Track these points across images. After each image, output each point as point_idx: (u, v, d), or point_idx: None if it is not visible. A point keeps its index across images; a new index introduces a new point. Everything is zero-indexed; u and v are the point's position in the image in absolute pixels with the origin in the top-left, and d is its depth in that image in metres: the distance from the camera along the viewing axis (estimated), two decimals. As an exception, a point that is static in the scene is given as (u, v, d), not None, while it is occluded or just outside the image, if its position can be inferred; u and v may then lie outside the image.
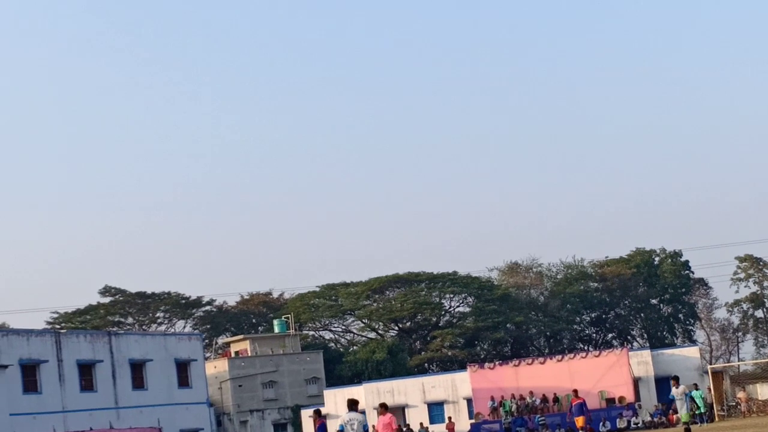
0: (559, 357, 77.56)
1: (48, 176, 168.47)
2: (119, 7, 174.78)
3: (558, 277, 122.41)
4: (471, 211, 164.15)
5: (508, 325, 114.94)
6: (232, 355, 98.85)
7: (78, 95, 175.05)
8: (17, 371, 65.60)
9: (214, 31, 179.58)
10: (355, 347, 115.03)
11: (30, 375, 67.00)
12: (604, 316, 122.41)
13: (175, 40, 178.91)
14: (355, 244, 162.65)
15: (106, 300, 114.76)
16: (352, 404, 26.49)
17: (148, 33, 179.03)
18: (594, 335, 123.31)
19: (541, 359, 78.07)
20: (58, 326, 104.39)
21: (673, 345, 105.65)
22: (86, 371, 71.12)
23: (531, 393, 73.90)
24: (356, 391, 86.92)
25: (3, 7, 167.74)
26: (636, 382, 74.11)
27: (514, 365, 76.57)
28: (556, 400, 73.02)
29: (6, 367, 63.52)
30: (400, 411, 79.62)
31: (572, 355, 78.36)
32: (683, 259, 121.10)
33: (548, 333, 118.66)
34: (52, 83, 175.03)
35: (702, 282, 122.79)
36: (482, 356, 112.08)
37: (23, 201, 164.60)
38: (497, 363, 79.46)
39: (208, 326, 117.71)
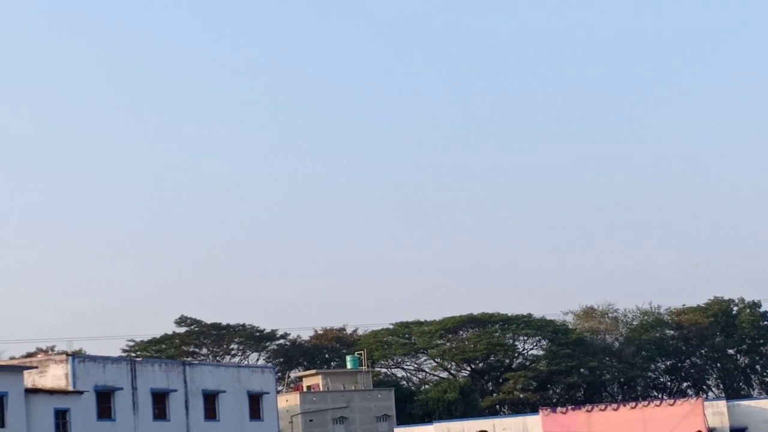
0: (633, 404, 76.80)
1: (133, 209, 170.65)
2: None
3: (633, 323, 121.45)
4: (546, 253, 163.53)
5: (581, 370, 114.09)
6: (304, 389, 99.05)
7: (160, 141, 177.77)
8: (92, 398, 66.19)
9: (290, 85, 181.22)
10: (426, 386, 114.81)
11: (104, 402, 67.53)
12: (679, 364, 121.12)
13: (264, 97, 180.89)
14: (429, 283, 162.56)
15: (182, 330, 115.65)
16: None
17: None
18: (669, 383, 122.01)
19: (614, 406, 77.38)
20: (133, 354, 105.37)
21: (749, 396, 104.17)
22: (160, 400, 71.54)
23: (603, 440, 73.29)
24: (427, 431, 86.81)
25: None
26: (710, 432, 73.19)
27: (587, 411, 75.97)
28: (628, 447, 72.30)
29: (81, 393, 64.24)
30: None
31: (646, 402, 77.53)
32: (762, 309, 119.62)
33: (622, 379, 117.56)
34: (137, 131, 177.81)
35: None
36: (554, 400, 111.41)
37: (106, 232, 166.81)
38: (570, 408, 78.88)
39: (281, 360, 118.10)
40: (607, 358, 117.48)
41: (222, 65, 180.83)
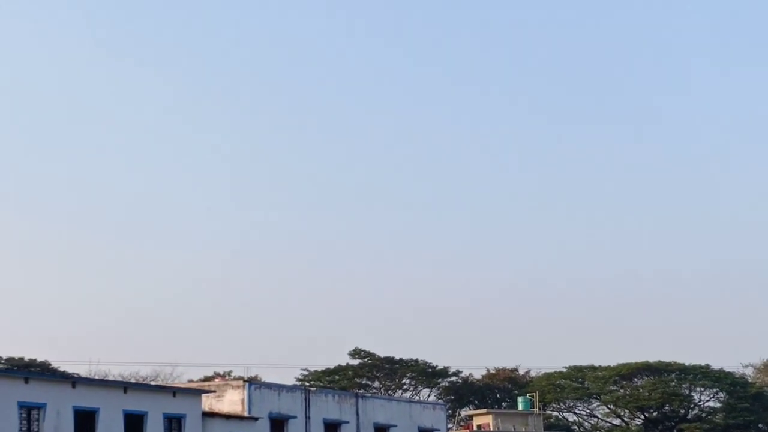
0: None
1: (317, 236, 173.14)
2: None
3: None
4: (726, 304, 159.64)
5: (759, 425, 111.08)
6: (474, 428, 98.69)
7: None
8: (266, 425, 67.15)
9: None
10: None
11: (278, 429, 68.35)
12: None
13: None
14: (604, 329, 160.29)
15: (355, 362, 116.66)
16: None
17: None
18: None
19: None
20: (307, 384, 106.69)
21: None
22: (332, 431, 72.23)
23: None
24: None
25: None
26: None
27: (765, 467, 73.92)
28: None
29: (256, 419, 65.32)
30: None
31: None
32: None
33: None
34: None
35: None
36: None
37: (286, 259, 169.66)
38: (747, 463, 76.91)
39: (452, 397, 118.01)
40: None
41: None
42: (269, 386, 70.17)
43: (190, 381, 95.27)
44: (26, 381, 53.98)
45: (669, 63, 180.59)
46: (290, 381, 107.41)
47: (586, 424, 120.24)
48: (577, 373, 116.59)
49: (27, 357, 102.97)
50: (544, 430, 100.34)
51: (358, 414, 74.00)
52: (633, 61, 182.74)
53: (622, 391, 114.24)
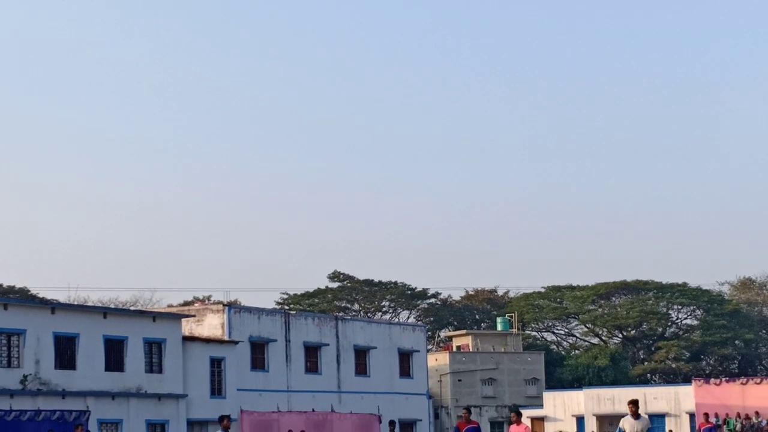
0: (790, 378, 75.22)
1: (291, 175, 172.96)
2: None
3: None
4: (703, 221, 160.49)
5: (736, 342, 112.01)
6: (454, 349, 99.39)
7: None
8: (247, 348, 67.47)
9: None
10: (576, 351, 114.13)
11: (259, 353, 68.80)
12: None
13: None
14: (582, 246, 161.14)
15: (335, 285, 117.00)
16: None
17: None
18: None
19: (769, 379, 75.86)
20: (287, 307, 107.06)
21: None
22: (312, 353, 72.59)
23: (757, 413, 71.76)
24: (576, 396, 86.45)
25: None
26: None
27: (742, 383, 74.68)
28: (783, 422, 70.79)
29: (236, 343, 65.57)
30: (617, 419, 78.56)
31: (804, 376, 75.90)
32: None
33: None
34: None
35: None
36: (707, 371, 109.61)
37: (270, 190, 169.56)
38: (723, 379, 77.58)
39: (432, 319, 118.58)
40: (764, 331, 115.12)
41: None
42: (249, 310, 70.52)
43: (170, 306, 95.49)
44: (5, 307, 54.03)
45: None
46: (270, 305, 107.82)
47: (565, 343, 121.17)
48: (555, 293, 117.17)
49: (5, 283, 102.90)
50: (523, 350, 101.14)
51: (338, 336, 74.43)
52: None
53: (600, 310, 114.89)
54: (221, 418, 29.22)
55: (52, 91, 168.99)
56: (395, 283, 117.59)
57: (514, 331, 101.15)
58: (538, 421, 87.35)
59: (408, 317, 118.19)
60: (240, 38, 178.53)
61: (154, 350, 60.37)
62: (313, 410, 70.51)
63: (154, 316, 62.63)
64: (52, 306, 58.53)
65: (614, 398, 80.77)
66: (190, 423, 61.55)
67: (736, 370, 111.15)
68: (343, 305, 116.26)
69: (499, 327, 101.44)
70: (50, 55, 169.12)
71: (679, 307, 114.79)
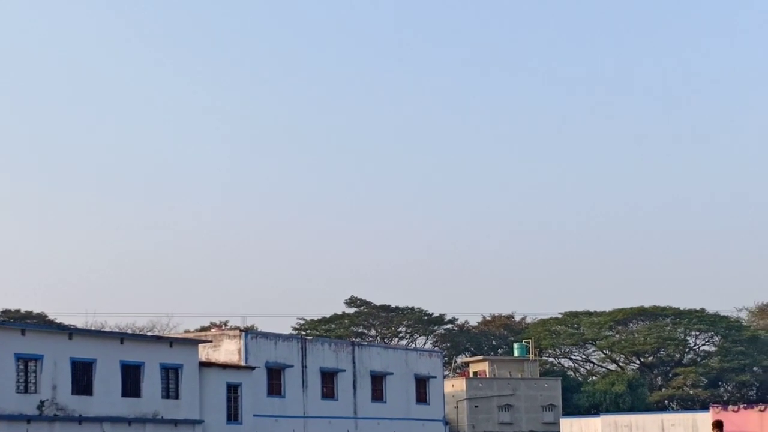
0: (809, 405, 74.80)
1: (309, 201, 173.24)
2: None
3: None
4: (721, 247, 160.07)
5: (754, 368, 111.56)
6: (471, 375, 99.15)
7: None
8: (263, 374, 67.39)
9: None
10: (593, 377, 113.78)
11: (275, 378, 68.66)
12: None
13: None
14: (599, 272, 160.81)
15: (351, 310, 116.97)
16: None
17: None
18: None
19: (789, 406, 75.47)
20: (304, 333, 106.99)
21: None
22: (328, 379, 72.41)
23: (776, 440, 71.60)
24: (593, 423, 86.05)
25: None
26: None
27: (760, 410, 74.30)
28: (802, 450, 70.46)
29: (253, 368, 65.49)
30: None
31: (822, 404, 75.46)
32: None
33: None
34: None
35: None
36: (725, 398, 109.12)
37: (282, 211, 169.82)
38: (741, 406, 77.22)
39: (448, 344, 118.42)
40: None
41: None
42: (266, 335, 70.34)
43: (187, 331, 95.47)
44: (23, 333, 54.06)
45: None
46: (286, 330, 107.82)
47: (582, 369, 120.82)
48: (572, 318, 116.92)
49: (24, 309, 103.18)
50: (540, 375, 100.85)
51: (354, 362, 74.23)
52: None
53: (617, 336, 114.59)
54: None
55: (73, 118, 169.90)
56: (412, 308, 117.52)
57: (531, 357, 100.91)
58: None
59: (425, 343, 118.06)
60: (286, 84, 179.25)
61: (170, 376, 60.32)
62: (330, 436, 70.34)
63: (171, 341, 62.59)
64: (70, 331, 58.54)
65: (631, 425, 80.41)
66: (207, 449, 61.47)
67: (755, 397, 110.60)
68: (359, 331, 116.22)
69: (516, 353, 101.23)
70: (75, 79, 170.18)
71: (697, 333, 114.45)
